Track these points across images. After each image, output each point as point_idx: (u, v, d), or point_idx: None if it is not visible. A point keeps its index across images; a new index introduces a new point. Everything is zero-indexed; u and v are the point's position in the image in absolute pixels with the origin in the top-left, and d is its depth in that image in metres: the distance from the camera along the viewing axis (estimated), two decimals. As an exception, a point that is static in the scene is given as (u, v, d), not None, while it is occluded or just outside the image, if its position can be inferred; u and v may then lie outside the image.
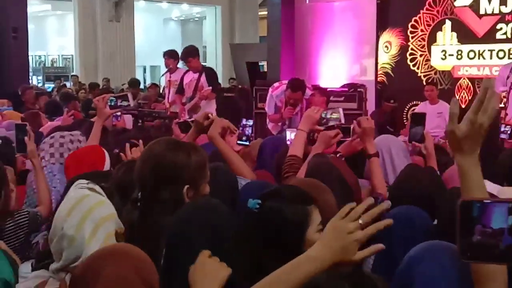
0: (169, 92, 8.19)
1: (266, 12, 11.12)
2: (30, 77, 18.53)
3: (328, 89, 6.82)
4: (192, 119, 4.14)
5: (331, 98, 6.63)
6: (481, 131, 1.45)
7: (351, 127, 3.23)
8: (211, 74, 7.57)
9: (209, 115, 3.12)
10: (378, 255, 1.70)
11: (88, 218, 1.73)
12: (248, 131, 4.46)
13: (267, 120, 6.78)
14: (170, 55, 8.25)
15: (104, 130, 3.76)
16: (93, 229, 1.72)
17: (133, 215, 1.98)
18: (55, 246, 1.75)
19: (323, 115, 3.34)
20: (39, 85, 16.91)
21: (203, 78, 7.40)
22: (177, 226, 1.74)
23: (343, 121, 3.47)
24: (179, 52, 8.32)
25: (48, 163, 3.38)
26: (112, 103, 3.78)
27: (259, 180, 2.80)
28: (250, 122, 4.47)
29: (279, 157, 3.17)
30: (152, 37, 23.57)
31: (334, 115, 3.46)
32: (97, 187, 1.88)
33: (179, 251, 1.68)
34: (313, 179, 2.24)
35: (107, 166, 2.96)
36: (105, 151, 3.06)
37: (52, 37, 24.24)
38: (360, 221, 1.37)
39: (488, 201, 1.26)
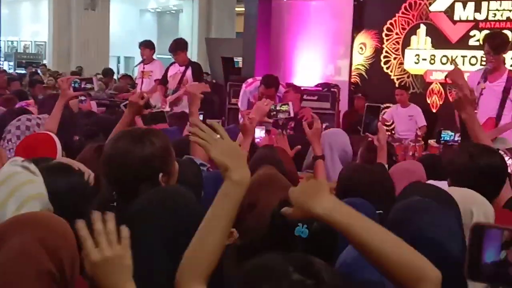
0: (142, 83, 8.13)
1: (243, 8, 11.10)
2: (1, 62, 18.29)
3: (302, 88, 6.83)
4: (171, 111, 4.14)
5: (304, 97, 6.66)
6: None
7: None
8: (197, 69, 7.56)
9: (144, 94, 3.14)
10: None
11: (15, 195, 1.71)
12: None
13: (239, 116, 6.78)
14: (146, 45, 8.21)
15: (71, 113, 3.73)
16: (18, 206, 1.69)
17: None
18: None
19: (272, 107, 3.46)
20: (10, 71, 16.64)
21: (189, 72, 7.37)
22: (138, 210, 1.73)
23: (292, 115, 3.60)
24: (155, 44, 8.28)
25: (14, 146, 3.32)
26: (76, 85, 3.76)
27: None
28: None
29: None
30: (127, 28, 23.38)
31: (284, 107, 3.57)
32: (32, 166, 1.83)
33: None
34: (269, 172, 2.28)
35: (59, 155, 2.90)
36: (56, 139, 2.95)
37: (26, 23, 23.87)
38: None
39: (501, 227, 1.27)
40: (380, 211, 2.12)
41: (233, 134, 3.45)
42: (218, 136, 1.63)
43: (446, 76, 4.46)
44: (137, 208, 1.74)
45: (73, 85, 3.73)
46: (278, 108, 3.60)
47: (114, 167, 2.01)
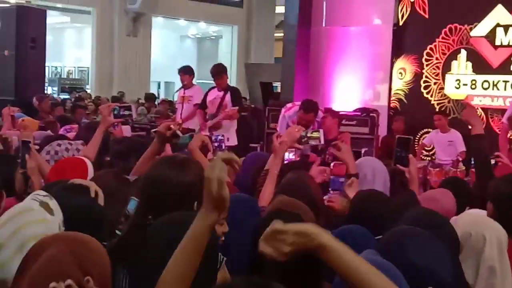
0: (182, 108, 8.23)
1: (282, 34, 11.18)
2: (45, 87, 18.73)
3: (341, 113, 6.82)
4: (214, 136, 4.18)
5: (343, 122, 6.65)
6: None
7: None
8: (236, 93, 7.62)
9: (171, 126, 3.21)
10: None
11: (18, 234, 1.69)
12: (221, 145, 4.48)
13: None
14: (185, 71, 8.32)
15: (107, 137, 3.81)
16: (19, 246, 1.67)
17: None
18: None
19: (303, 134, 3.48)
20: (54, 95, 17.05)
21: (228, 97, 7.43)
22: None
23: (322, 142, 3.61)
24: (195, 69, 8.38)
25: None
26: (115, 112, 3.83)
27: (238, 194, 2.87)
28: (221, 137, 4.45)
29: (254, 171, 3.31)
30: (168, 53, 23.76)
31: (315, 134, 3.58)
32: (51, 202, 1.82)
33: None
34: (293, 200, 2.35)
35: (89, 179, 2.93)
36: (88, 163, 3.00)
37: (70, 49, 24.49)
38: None
39: None
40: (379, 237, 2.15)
41: (252, 163, 3.50)
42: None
43: (460, 115, 4.47)
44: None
45: (113, 112, 3.80)
46: (309, 134, 3.62)
47: (153, 192, 2.06)
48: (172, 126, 3.22)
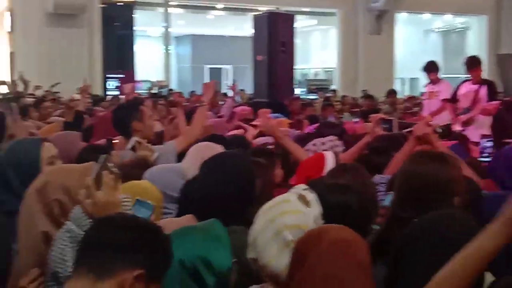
0: (429, 104, 8.09)
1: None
2: (294, 89, 19.63)
3: None
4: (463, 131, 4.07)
5: None
6: None
7: None
8: (494, 87, 7.23)
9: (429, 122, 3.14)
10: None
11: (274, 222, 1.81)
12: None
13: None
14: (430, 68, 8.14)
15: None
16: (273, 234, 1.80)
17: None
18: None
19: None
20: (302, 96, 17.77)
21: (483, 90, 7.07)
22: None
23: None
24: (441, 63, 8.16)
25: None
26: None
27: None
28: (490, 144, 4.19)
29: None
30: (412, 49, 23.34)
31: None
32: (310, 196, 1.89)
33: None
34: None
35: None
36: (326, 158, 3.08)
37: (316, 51, 25.36)
38: None
39: None
40: None
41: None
42: None
43: None
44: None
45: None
46: None
47: (413, 186, 2.07)
48: (430, 123, 3.15)
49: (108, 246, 1.52)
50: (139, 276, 1.50)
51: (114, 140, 3.79)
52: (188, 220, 2.21)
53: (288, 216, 1.80)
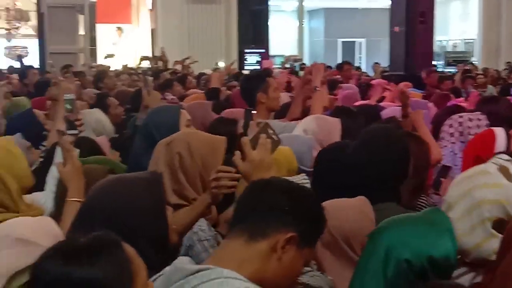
0: None
1: None
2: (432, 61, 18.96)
3: None
4: None
5: None
6: None
7: None
8: None
9: None
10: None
11: (469, 194, 1.67)
12: None
13: None
14: None
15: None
16: (467, 208, 1.65)
17: None
18: None
19: None
20: (440, 69, 17.11)
21: None
22: None
23: None
24: None
25: (448, 143, 3.52)
26: None
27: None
28: None
29: None
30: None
31: None
32: None
33: None
34: None
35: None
36: (499, 135, 2.88)
37: (455, 22, 24.25)
38: None
39: None
40: None
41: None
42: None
43: None
44: None
45: None
46: None
47: None
48: None
49: (263, 207, 1.55)
50: (292, 239, 1.50)
51: (253, 111, 3.85)
52: (360, 202, 1.95)
53: (487, 190, 1.64)
